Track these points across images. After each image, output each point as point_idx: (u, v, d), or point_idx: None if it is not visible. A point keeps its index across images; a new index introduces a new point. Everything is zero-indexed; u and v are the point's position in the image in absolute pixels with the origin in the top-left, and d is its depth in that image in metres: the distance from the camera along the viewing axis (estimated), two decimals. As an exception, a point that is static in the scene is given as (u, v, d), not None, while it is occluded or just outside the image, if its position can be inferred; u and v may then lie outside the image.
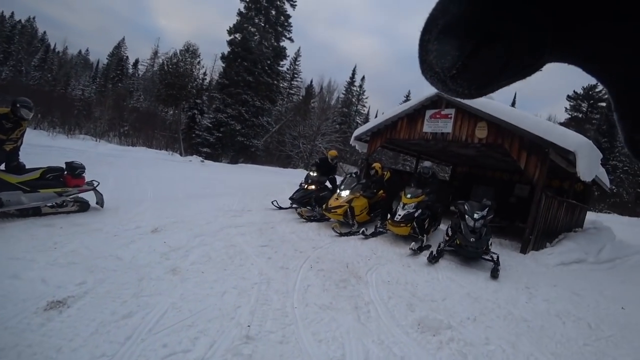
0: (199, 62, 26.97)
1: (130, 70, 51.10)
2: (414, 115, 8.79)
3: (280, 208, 7.59)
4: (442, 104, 8.15)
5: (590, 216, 12.14)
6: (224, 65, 26.51)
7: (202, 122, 26.74)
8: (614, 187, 24.60)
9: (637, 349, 3.30)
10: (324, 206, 6.73)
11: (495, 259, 5.17)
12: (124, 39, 52.63)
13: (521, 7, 0.24)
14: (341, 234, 5.91)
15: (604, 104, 31.13)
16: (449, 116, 8.02)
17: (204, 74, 33.42)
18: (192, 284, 3.18)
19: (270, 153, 32.32)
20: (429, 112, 8.42)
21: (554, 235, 7.75)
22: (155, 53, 49.21)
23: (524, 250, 6.66)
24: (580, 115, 33.78)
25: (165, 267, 3.47)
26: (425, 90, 9.12)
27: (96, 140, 20.27)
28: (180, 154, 21.56)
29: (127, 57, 51.94)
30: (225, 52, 25.99)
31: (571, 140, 6.26)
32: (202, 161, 18.62)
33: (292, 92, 42.05)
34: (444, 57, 0.25)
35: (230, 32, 25.73)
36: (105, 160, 11.17)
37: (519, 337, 3.11)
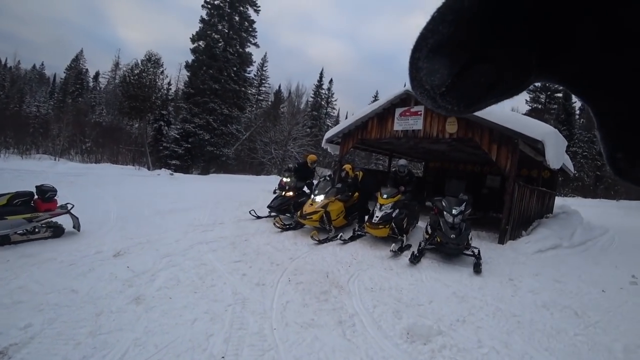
0: (162, 72, 26.00)
1: (91, 84, 48.85)
2: (384, 114, 8.75)
3: (259, 217, 7.28)
4: (411, 102, 8.14)
5: (558, 201, 12.56)
6: (188, 74, 25.85)
7: (170, 134, 25.84)
8: (575, 171, 25.88)
9: (625, 333, 3.28)
10: (298, 213, 6.50)
11: (476, 254, 5.12)
12: (82, 51, 50.26)
13: (508, 30, 0.24)
14: (319, 241, 5.71)
15: (560, 95, 32.62)
16: (419, 113, 8.03)
17: (169, 83, 32.48)
18: (158, 314, 2.86)
19: (242, 161, 31.69)
20: (398, 110, 8.40)
21: (528, 223, 7.88)
22: (117, 64, 47.36)
23: (501, 241, 6.70)
24: (539, 107, 35.24)
25: (128, 297, 3.13)
26: (393, 89, 9.13)
27: (55, 159, 19.12)
28: (148, 168, 20.68)
29: (87, 69, 49.68)
30: (190, 61, 25.36)
31: (538, 129, 6.36)
32: (172, 174, 17.88)
33: (260, 98, 41.57)
34: (434, 75, 0.26)
35: (193, 39, 25.12)
36: (65, 180, 10.41)
37: (511, 334, 3.01)
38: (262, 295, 3.45)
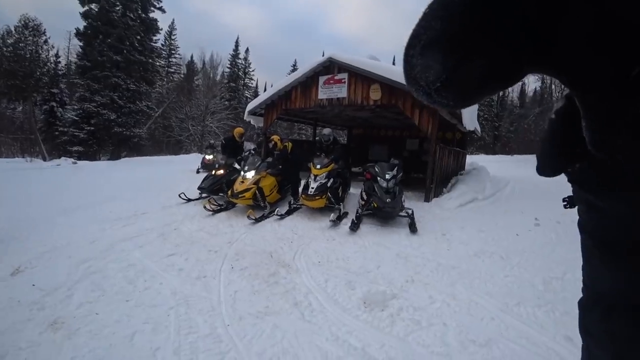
0: (45, 42, 22.20)
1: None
2: (308, 82, 8.58)
3: (189, 200, 6.68)
4: (334, 69, 8.06)
5: (468, 159, 13.89)
6: (81, 43, 22.22)
7: (66, 116, 22.48)
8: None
9: (540, 268, 3.71)
10: (229, 192, 6.13)
11: (410, 214, 5.37)
12: None
13: (499, 24, 0.24)
14: (256, 220, 5.47)
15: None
16: (343, 81, 7.99)
17: (57, 55, 27.61)
18: (84, 337, 2.37)
19: (157, 141, 29.21)
20: (322, 79, 8.29)
21: (447, 181, 8.55)
22: (-20, 34, 39.01)
23: (427, 199, 7.16)
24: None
25: (40, 324, 2.54)
26: (312, 57, 8.94)
27: None
28: (44, 159, 17.86)
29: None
30: (81, 28, 21.74)
31: (455, 93, 6.78)
32: (75, 162, 15.57)
33: (171, 70, 38.04)
34: (428, 71, 0.26)
35: (83, 2, 21.35)
36: None
37: (455, 285, 3.20)
38: (205, 289, 3.14)
